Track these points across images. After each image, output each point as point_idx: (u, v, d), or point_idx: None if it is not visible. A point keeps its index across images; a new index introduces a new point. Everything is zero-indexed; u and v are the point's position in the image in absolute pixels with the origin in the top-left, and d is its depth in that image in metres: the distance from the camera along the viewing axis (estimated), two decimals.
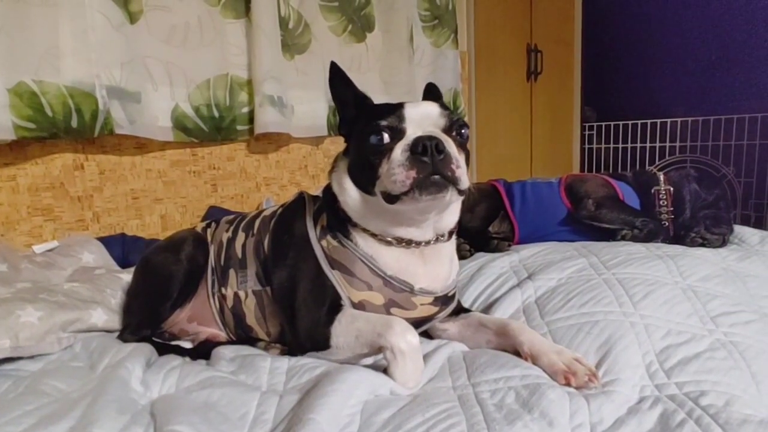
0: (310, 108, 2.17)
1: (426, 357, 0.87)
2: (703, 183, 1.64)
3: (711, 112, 3.53)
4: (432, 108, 0.88)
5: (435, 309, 0.96)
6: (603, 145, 3.96)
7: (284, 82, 1.99)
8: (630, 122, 3.78)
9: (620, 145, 3.86)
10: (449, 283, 0.97)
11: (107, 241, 1.55)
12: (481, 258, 1.43)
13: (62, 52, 1.46)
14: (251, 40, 1.92)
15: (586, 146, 4.12)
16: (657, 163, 3.72)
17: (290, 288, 0.93)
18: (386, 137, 0.83)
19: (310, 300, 0.90)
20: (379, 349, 0.81)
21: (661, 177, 1.68)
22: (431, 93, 1.05)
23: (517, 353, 0.88)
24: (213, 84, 1.84)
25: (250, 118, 1.96)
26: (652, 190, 1.65)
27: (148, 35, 1.68)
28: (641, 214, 1.57)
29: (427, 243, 0.91)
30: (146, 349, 0.88)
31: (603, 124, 3.93)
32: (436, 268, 0.93)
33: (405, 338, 0.79)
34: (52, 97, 1.42)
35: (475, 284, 1.24)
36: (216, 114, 1.85)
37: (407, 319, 0.89)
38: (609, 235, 1.57)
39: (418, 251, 0.91)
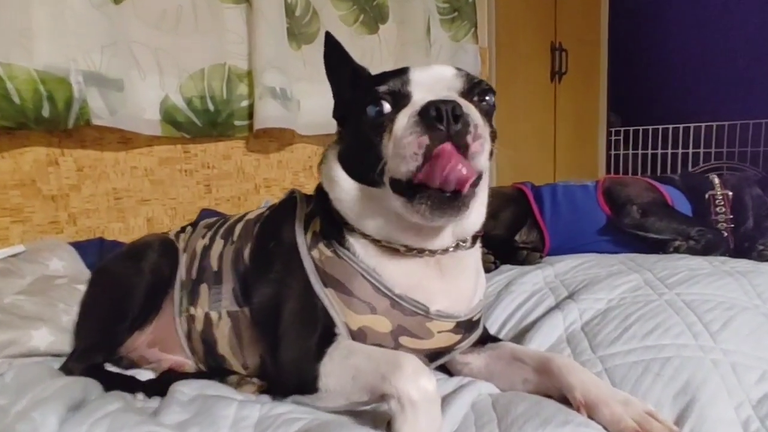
0: (318, 103, 1.98)
1: (444, 402, 0.67)
2: (767, 187, 1.41)
3: (747, 115, 3.26)
4: (444, 69, 0.69)
5: (456, 338, 0.75)
6: (630, 151, 3.73)
7: (289, 74, 1.81)
8: (660, 127, 3.54)
9: (649, 151, 3.62)
10: (475, 303, 0.77)
11: (82, 247, 1.37)
12: (508, 271, 1.23)
13: (35, 34, 1.29)
14: (252, 27, 1.75)
15: (613, 152, 3.89)
16: (692, 170, 3.47)
17: (273, 310, 0.73)
18: (387, 106, 0.65)
19: (297, 326, 0.70)
20: (382, 397, 0.60)
21: (716, 180, 1.45)
22: None
23: (565, 399, 0.67)
24: (208, 74, 1.67)
25: (250, 113, 1.78)
26: (707, 195, 1.42)
27: (135, 18, 1.51)
28: (696, 222, 1.35)
29: (445, 251, 0.71)
30: (81, 386, 0.68)
31: (631, 128, 3.70)
32: (458, 284, 0.73)
33: (417, 384, 0.58)
34: (21, 82, 1.25)
35: (503, 304, 1.03)
36: (211, 107, 1.68)
37: (420, 351, 0.70)
38: (657, 247, 1.34)
39: (433, 261, 0.71)
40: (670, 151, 3.55)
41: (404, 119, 0.62)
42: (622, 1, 3.88)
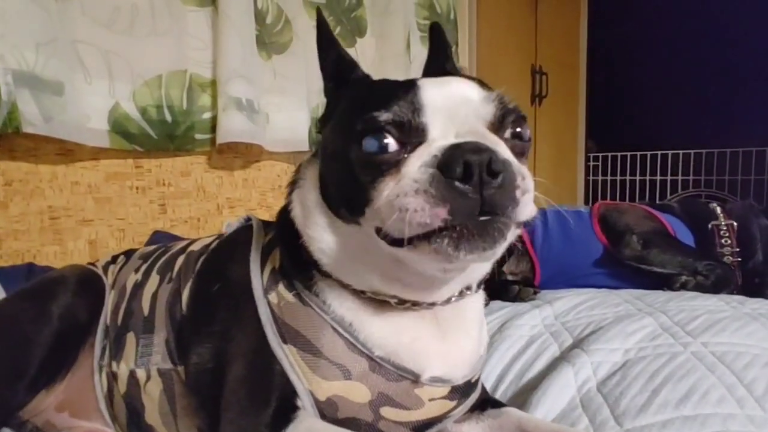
0: (289, 117, 1.84)
1: None
2: None
3: (726, 143, 3.26)
4: (467, 88, 0.51)
5: (451, 404, 0.60)
6: (609, 178, 3.70)
7: (257, 84, 1.66)
8: (639, 153, 3.52)
9: (627, 178, 3.59)
10: (476, 361, 0.61)
11: (6, 273, 1.17)
12: (499, 310, 1.08)
13: None
14: (217, 33, 1.59)
15: (591, 178, 3.85)
16: (669, 197, 3.45)
17: (215, 372, 0.57)
18: (392, 143, 0.47)
19: (244, 396, 0.53)
20: None
21: (718, 209, 1.35)
22: (437, 39, 0.70)
23: None
24: (166, 81, 1.50)
25: (213, 126, 1.61)
26: (710, 225, 1.31)
27: (81, 15, 1.34)
28: (703, 255, 1.23)
29: (447, 300, 0.55)
30: None
31: (609, 154, 3.67)
32: (459, 342, 0.58)
33: None
34: None
35: (498, 353, 0.88)
36: (168, 118, 1.51)
37: (406, 424, 0.54)
38: (660, 282, 1.22)
39: (430, 315, 0.56)
40: (648, 177, 3.54)
41: (416, 167, 0.44)
42: (600, 27, 3.89)
